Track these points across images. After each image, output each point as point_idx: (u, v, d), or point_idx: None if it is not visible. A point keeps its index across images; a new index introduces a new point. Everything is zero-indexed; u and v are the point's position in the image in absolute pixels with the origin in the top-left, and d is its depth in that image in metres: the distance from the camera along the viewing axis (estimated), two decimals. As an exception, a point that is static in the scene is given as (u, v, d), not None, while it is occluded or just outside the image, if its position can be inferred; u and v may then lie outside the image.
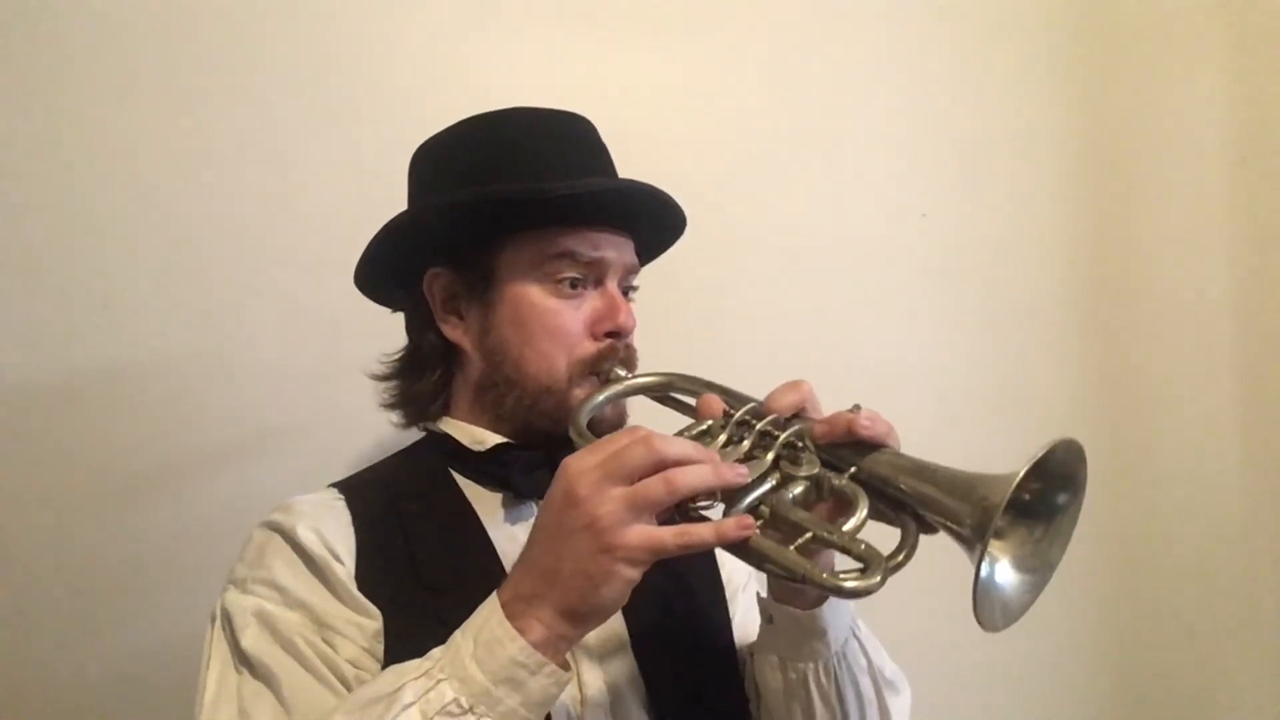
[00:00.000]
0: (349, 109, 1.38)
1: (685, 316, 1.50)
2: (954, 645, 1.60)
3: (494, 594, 0.67)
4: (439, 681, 0.63)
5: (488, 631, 0.65)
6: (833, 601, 0.82)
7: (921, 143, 1.72)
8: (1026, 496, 0.67)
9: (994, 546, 0.66)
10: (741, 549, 0.66)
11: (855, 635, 0.86)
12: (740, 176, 1.59)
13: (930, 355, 1.70)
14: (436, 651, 0.66)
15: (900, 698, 0.90)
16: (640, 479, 0.64)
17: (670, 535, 0.63)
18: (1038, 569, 0.67)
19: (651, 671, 0.85)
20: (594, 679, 0.84)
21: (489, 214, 0.88)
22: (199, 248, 1.31)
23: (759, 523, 0.68)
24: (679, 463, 0.65)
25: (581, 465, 0.65)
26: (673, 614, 0.91)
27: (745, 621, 0.96)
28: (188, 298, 1.31)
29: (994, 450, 1.66)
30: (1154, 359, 1.83)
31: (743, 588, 1.01)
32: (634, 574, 0.64)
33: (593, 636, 0.84)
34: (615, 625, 0.87)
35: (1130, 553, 1.80)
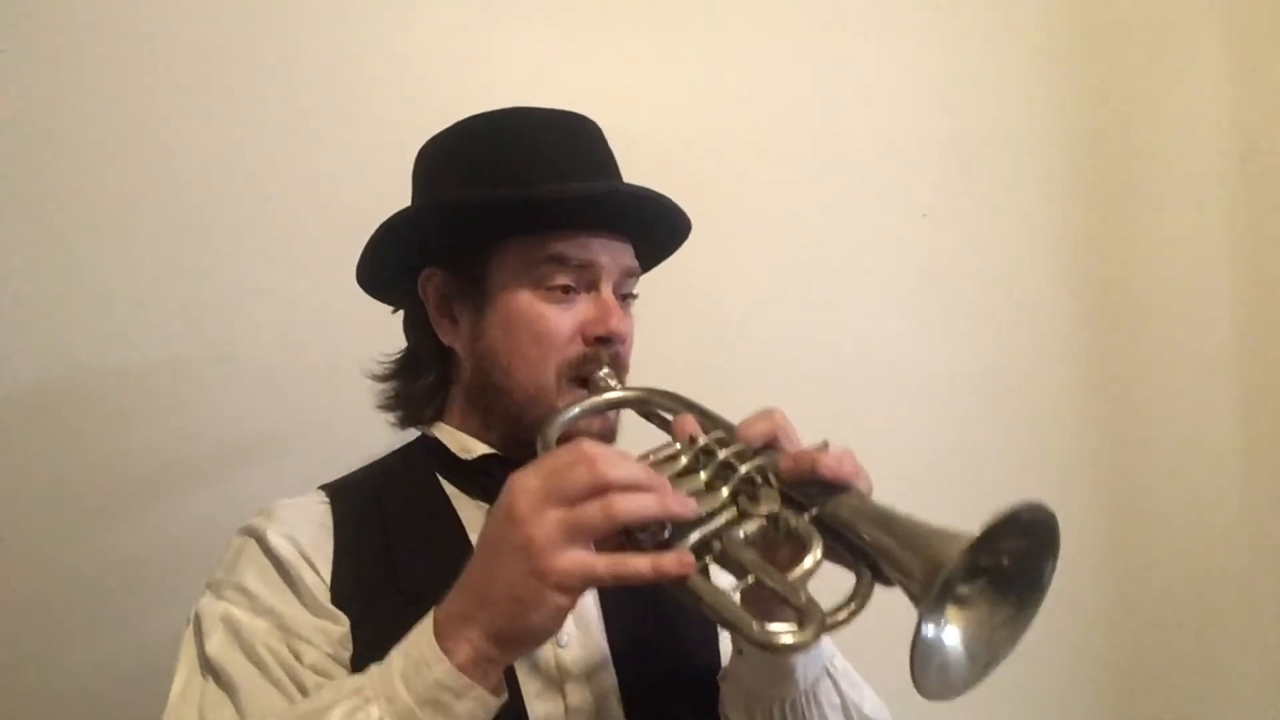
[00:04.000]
0: (352, 108, 1.38)
1: (684, 316, 1.50)
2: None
3: (431, 610, 0.66)
4: (368, 701, 0.62)
5: (417, 651, 0.63)
6: None
7: (921, 143, 1.72)
8: (1005, 561, 0.63)
9: (954, 615, 0.62)
10: (679, 589, 0.62)
11: (830, 673, 0.83)
12: (740, 177, 1.59)
13: (930, 355, 1.70)
14: (374, 668, 0.65)
15: None
16: (582, 501, 0.61)
17: (604, 565, 0.61)
18: (987, 653, 0.63)
19: (631, 693, 0.84)
20: (578, 697, 0.83)
21: (480, 217, 0.88)
22: (199, 248, 1.31)
23: (709, 558, 0.65)
24: (624, 487, 0.62)
25: (525, 483, 0.63)
26: (656, 633, 0.89)
27: (729, 644, 0.93)
28: (188, 298, 1.30)
29: (993, 451, 1.68)
30: (1154, 358, 1.83)
31: None
32: (564, 601, 0.61)
33: (578, 653, 0.84)
34: (599, 642, 0.86)
35: (1129, 553, 1.80)
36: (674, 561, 0.61)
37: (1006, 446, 1.72)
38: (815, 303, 1.63)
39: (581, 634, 0.86)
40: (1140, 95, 1.84)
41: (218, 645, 0.77)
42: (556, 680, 0.83)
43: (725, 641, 0.95)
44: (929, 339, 1.70)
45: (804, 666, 0.80)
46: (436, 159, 0.95)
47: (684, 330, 1.48)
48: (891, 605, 0.63)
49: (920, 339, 1.69)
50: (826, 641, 0.84)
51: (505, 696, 0.66)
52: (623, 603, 0.88)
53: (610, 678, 0.85)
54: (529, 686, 0.81)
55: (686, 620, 0.92)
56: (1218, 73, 1.84)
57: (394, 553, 0.84)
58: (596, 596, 0.88)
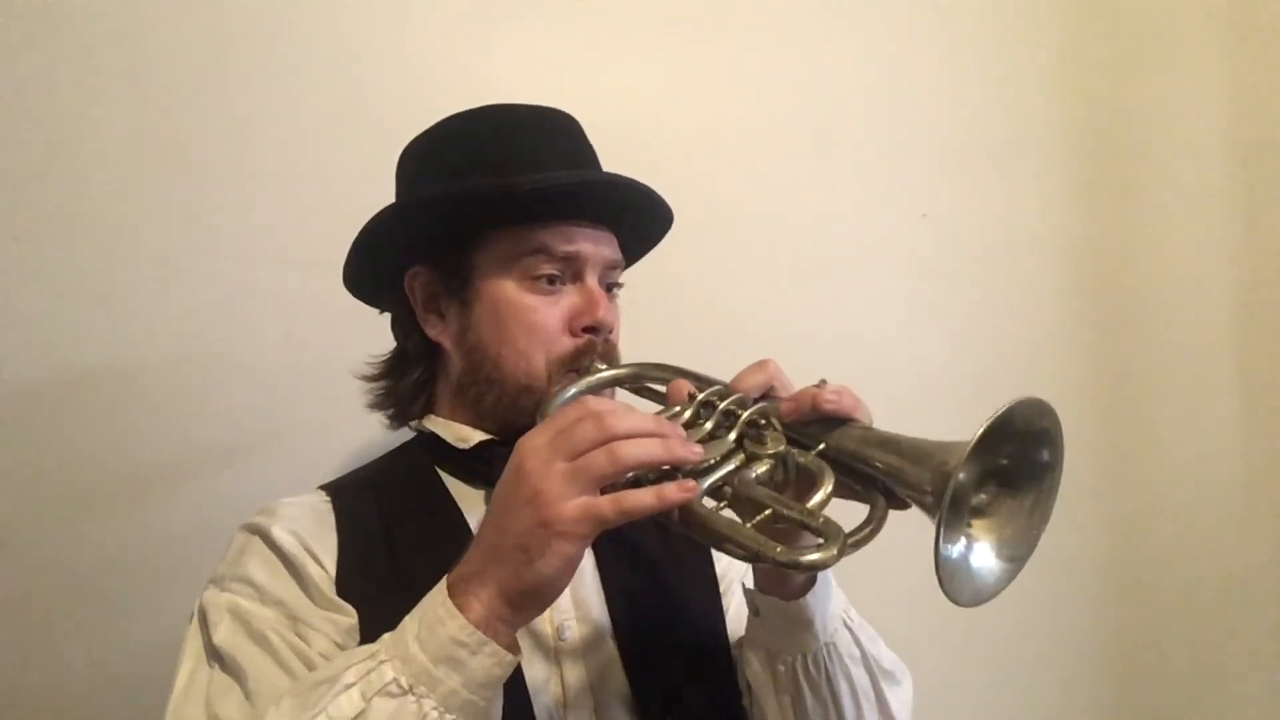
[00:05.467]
0: (350, 108, 1.38)
1: (684, 316, 1.50)
2: (954, 641, 1.60)
3: (444, 577, 0.67)
4: (381, 663, 0.63)
5: (431, 611, 0.64)
6: (819, 590, 0.80)
7: (921, 143, 1.72)
8: (1004, 462, 0.65)
9: (978, 526, 0.65)
10: (696, 527, 0.64)
11: (847, 625, 0.84)
12: (740, 176, 1.59)
13: (930, 355, 1.70)
14: (387, 635, 0.66)
15: (900, 688, 0.88)
16: (589, 452, 0.63)
17: (608, 504, 0.62)
18: (1020, 548, 0.66)
19: (636, 668, 0.84)
20: (577, 677, 0.83)
21: (462, 211, 0.88)
22: (199, 247, 1.31)
23: (723, 503, 0.67)
24: (630, 436, 0.64)
25: (533, 442, 0.65)
26: (660, 609, 0.90)
27: (739, 614, 0.94)
28: (188, 298, 1.30)
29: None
30: (1154, 358, 1.83)
31: (738, 580, 0.98)
32: (571, 549, 0.62)
33: (577, 633, 0.85)
34: (600, 621, 0.86)
35: (1130, 552, 1.80)
36: (676, 488, 0.62)
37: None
38: (815, 302, 1.63)
39: (581, 625, 0.86)
40: (1140, 95, 1.84)
41: (225, 634, 0.77)
42: (554, 654, 0.84)
43: (731, 618, 0.95)
44: (929, 338, 1.70)
45: (822, 618, 0.81)
46: (418, 158, 0.96)
47: (684, 330, 1.48)
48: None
49: (920, 338, 1.69)
50: (840, 594, 0.85)
51: (520, 655, 0.67)
52: (622, 573, 0.89)
53: (611, 649, 0.85)
54: (534, 674, 0.81)
55: (690, 597, 0.93)
56: (1218, 73, 1.84)
57: (396, 547, 0.84)
58: (599, 581, 0.89)
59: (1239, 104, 1.83)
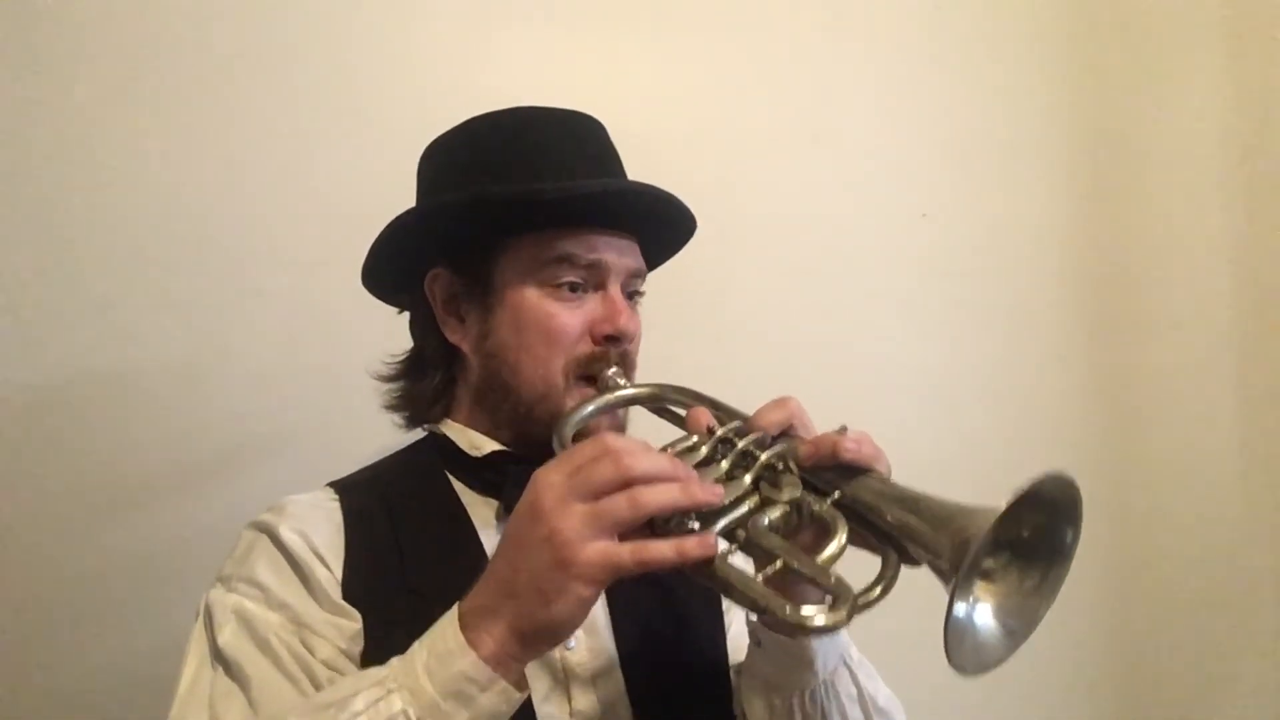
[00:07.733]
0: (353, 109, 1.38)
1: (686, 316, 1.50)
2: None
3: (456, 604, 0.66)
4: (390, 692, 0.62)
5: (442, 643, 0.64)
6: None
7: (921, 143, 1.72)
8: (1025, 533, 0.64)
9: (981, 590, 0.64)
10: (707, 575, 0.63)
11: (846, 663, 0.84)
12: (740, 176, 1.59)
13: (930, 355, 1.70)
14: (396, 660, 0.65)
15: None
16: (607, 494, 0.62)
17: (628, 552, 0.61)
18: (1020, 622, 0.64)
19: (640, 693, 0.84)
20: (584, 700, 0.83)
21: (486, 216, 0.88)
22: (199, 248, 1.31)
23: (734, 546, 0.66)
24: (649, 479, 0.62)
25: (549, 478, 0.64)
26: (664, 633, 0.89)
27: (739, 637, 0.94)
28: (188, 298, 1.30)
29: (994, 451, 1.68)
30: (1154, 358, 1.83)
31: None
32: (588, 592, 0.62)
33: (584, 656, 0.84)
34: (606, 644, 0.86)
35: (1130, 553, 1.80)
36: (696, 544, 0.62)
37: (1006, 446, 1.72)
38: (815, 302, 1.63)
39: (589, 637, 0.86)
40: (1140, 95, 1.84)
41: (230, 637, 0.77)
42: (563, 683, 0.83)
43: (731, 639, 0.95)
44: (929, 339, 1.70)
45: (823, 656, 0.81)
46: (443, 158, 0.95)
47: (683, 331, 1.48)
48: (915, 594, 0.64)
49: (920, 339, 1.69)
50: (843, 632, 0.84)
51: (528, 691, 0.66)
52: (631, 604, 0.88)
53: (618, 680, 0.85)
54: (537, 689, 0.81)
55: (694, 619, 0.93)
56: (1217, 73, 1.84)
57: (404, 551, 0.84)
58: (604, 599, 0.88)
59: (1239, 105, 1.83)
